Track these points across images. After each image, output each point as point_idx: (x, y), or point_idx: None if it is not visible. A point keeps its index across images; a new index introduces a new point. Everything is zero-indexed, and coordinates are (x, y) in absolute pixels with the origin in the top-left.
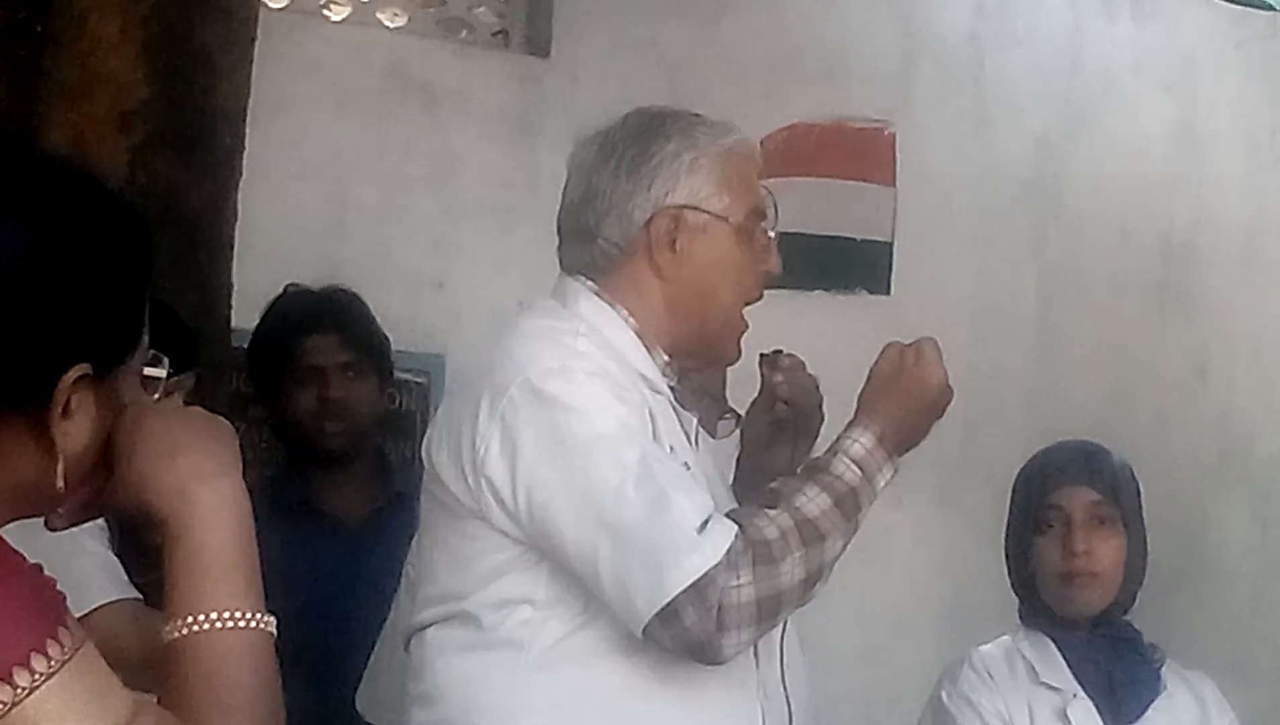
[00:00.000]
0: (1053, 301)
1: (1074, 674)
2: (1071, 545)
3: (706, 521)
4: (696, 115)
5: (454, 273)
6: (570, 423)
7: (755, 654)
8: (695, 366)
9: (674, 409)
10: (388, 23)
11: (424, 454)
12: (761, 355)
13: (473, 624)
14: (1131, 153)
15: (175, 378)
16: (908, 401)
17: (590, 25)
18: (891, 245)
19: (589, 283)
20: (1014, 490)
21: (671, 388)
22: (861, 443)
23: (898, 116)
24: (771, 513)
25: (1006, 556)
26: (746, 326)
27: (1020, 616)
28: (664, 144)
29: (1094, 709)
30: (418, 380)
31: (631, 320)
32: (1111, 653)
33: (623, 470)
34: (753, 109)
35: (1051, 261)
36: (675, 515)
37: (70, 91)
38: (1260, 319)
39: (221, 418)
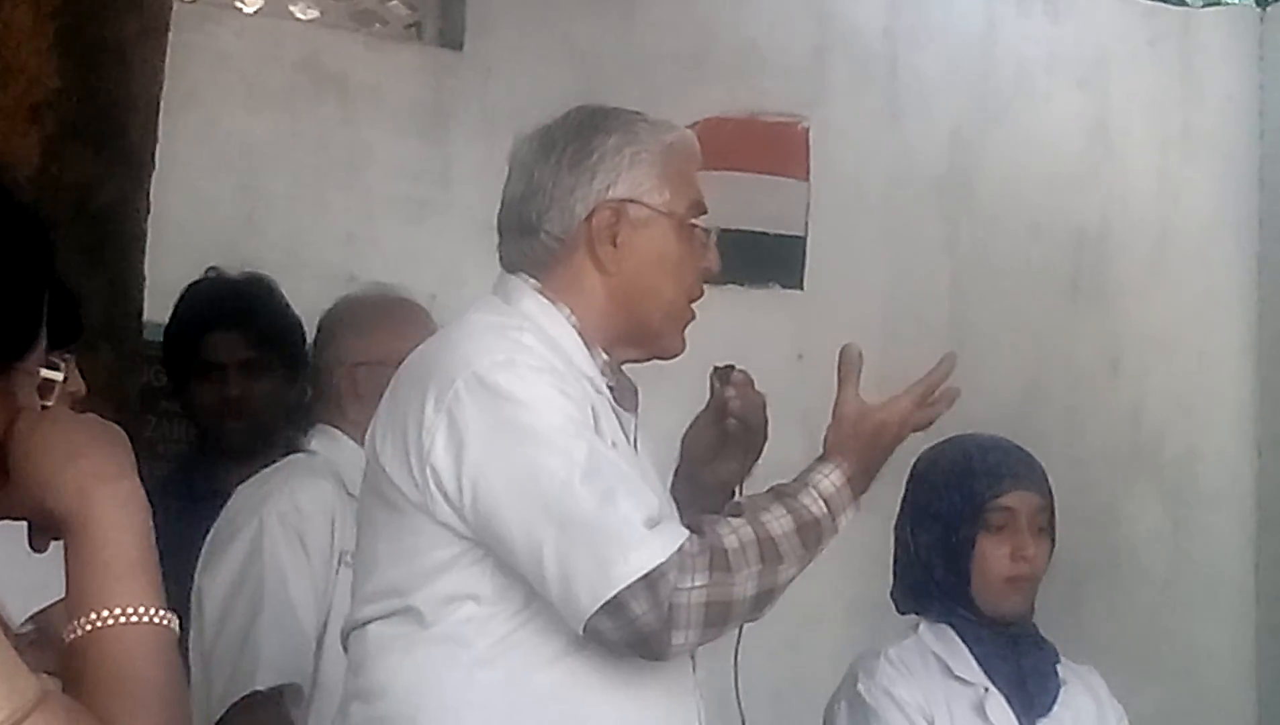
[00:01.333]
0: (966, 296)
1: (983, 668)
2: (1022, 549)
3: (657, 518)
4: (637, 113)
5: (367, 266)
6: (517, 415)
7: (693, 655)
8: (639, 358)
9: (614, 409)
10: (300, 15)
11: (367, 449)
12: (715, 368)
13: (415, 620)
14: (1044, 148)
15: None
16: (873, 448)
17: (503, 19)
18: (805, 240)
19: (531, 281)
20: (943, 483)
21: (610, 388)
22: (831, 480)
23: (811, 111)
24: (735, 522)
25: (923, 546)
26: (692, 317)
27: (918, 611)
28: (605, 138)
29: (1006, 703)
30: None
31: (574, 318)
32: (1018, 648)
33: (570, 464)
34: (666, 103)
35: (964, 256)
36: (624, 510)
37: None
38: (1172, 313)
39: (114, 424)
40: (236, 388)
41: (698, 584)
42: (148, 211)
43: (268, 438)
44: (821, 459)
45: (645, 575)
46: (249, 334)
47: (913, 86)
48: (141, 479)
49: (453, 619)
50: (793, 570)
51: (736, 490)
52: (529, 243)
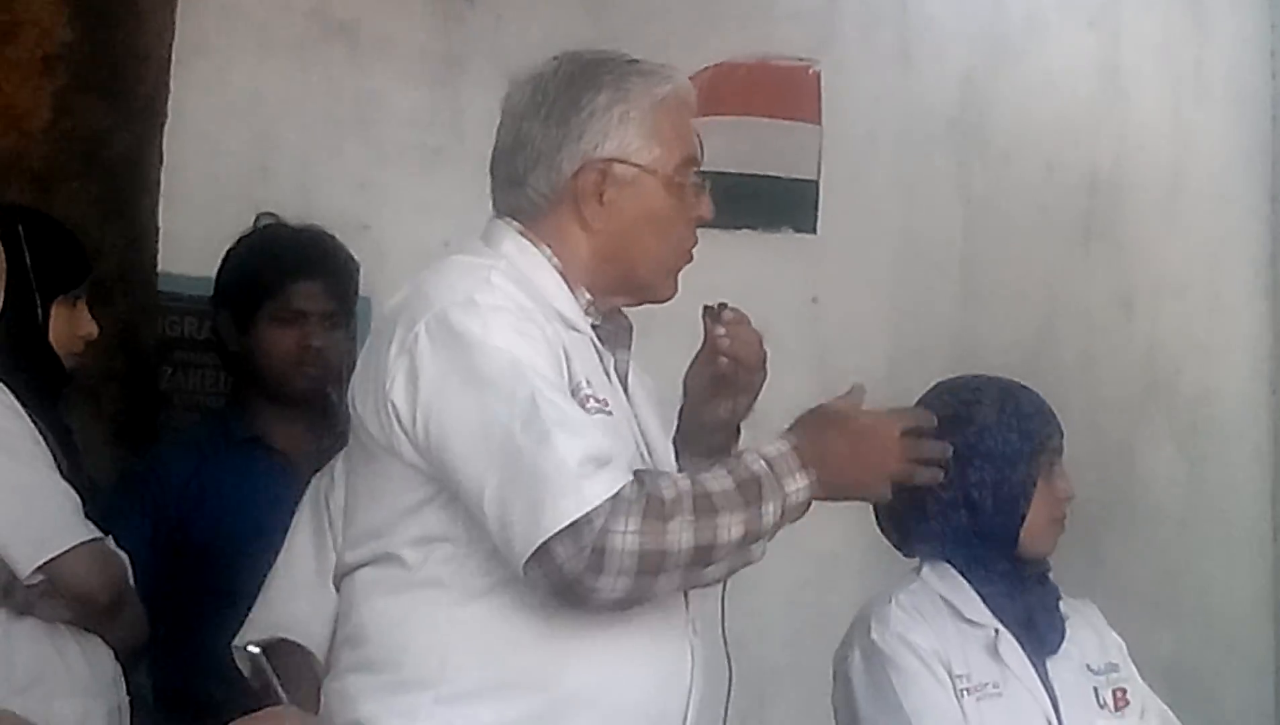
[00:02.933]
0: (978, 238)
1: (990, 609)
2: (1068, 490)
3: (597, 463)
4: (632, 61)
5: (379, 215)
6: (469, 358)
7: (686, 594)
8: (631, 303)
9: (595, 348)
10: None
11: (349, 396)
12: (705, 307)
13: (396, 563)
14: (1056, 90)
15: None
16: (829, 430)
17: None
18: (817, 183)
19: (514, 223)
20: (1000, 424)
21: (595, 326)
22: (775, 446)
23: (822, 55)
24: (675, 476)
25: (968, 489)
26: (688, 260)
27: (921, 554)
28: (595, 95)
29: (1017, 643)
30: None
31: (555, 260)
32: (1023, 586)
33: (512, 407)
34: (677, 48)
35: (976, 198)
36: (560, 455)
37: None
38: (1185, 253)
39: None
40: (319, 338)
41: (630, 529)
42: (161, 162)
43: (333, 390)
44: (801, 455)
45: (573, 522)
46: (331, 285)
47: (924, 29)
48: (158, 430)
49: (431, 560)
50: (736, 525)
51: (738, 429)
52: (516, 194)
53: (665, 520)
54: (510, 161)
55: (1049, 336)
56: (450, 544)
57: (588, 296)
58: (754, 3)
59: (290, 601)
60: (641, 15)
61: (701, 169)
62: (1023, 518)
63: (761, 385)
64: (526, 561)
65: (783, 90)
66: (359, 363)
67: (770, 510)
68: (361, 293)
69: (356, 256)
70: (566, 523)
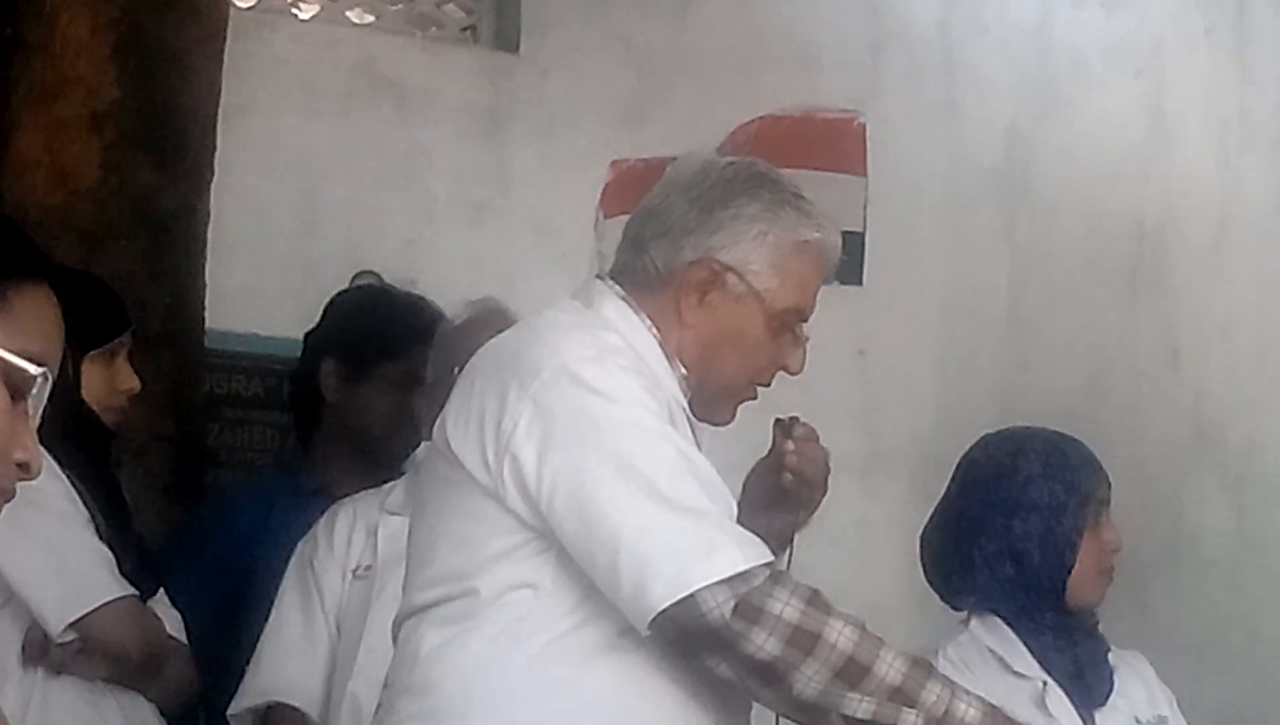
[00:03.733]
0: (1024, 289)
1: (1038, 661)
2: (1115, 542)
3: (738, 528)
4: (800, 196)
5: (426, 270)
6: (607, 408)
7: None
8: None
9: (689, 421)
10: (356, 20)
11: (435, 436)
12: (777, 420)
13: (472, 609)
14: (1101, 139)
15: (118, 340)
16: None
17: (558, 19)
18: (863, 235)
19: (617, 287)
20: (1045, 475)
21: (688, 401)
22: (969, 713)
23: (867, 106)
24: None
25: (1021, 537)
26: (753, 397)
27: (968, 606)
28: (747, 203)
29: (1065, 696)
30: None
31: (654, 330)
32: (1072, 638)
33: (656, 460)
34: (721, 101)
35: (1022, 249)
36: (712, 514)
37: (41, 94)
38: (1232, 303)
39: None
40: (415, 405)
41: (792, 601)
42: (208, 219)
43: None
44: (981, 699)
45: (727, 578)
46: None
47: (968, 79)
48: (203, 485)
49: (508, 613)
50: (895, 671)
51: (791, 542)
52: (633, 257)
53: (828, 613)
54: (643, 224)
55: (1096, 387)
56: (531, 592)
57: (683, 371)
58: (798, 54)
59: (282, 665)
60: (687, 68)
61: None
62: (1070, 569)
63: (821, 501)
64: (667, 609)
65: (828, 142)
66: (452, 405)
67: (935, 690)
68: None
69: None
70: (721, 578)
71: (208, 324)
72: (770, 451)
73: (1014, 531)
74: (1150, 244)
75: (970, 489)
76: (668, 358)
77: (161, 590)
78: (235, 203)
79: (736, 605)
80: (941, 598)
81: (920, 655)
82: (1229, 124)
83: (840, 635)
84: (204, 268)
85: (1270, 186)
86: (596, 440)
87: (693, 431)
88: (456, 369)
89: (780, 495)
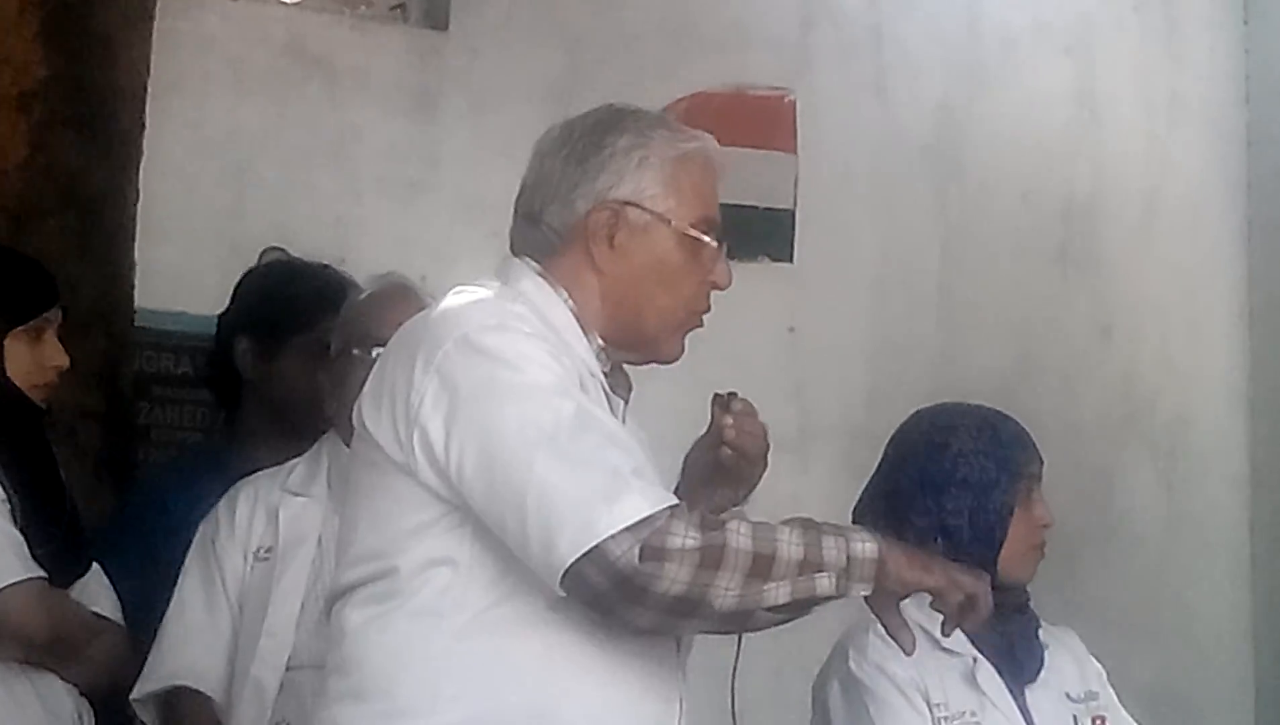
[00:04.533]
0: (955, 266)
1: (969, 637)
2: (1045, 518)
3: (641, 474)
4: (661, 117)
5: (356, 248)
6: (508, 375)
7: (679, 639)
8: (635, 361)
9: (605, 394)
10: None
11: (355, 415)
12: (715, 395)
13: (393, 587)
14: (1031, 116)
15: (44, 315)
16: (925, 570)
17: None
18: (794, 212)
19: (532, 264)
20: (977, 450)
21: (605, 373)
22: (865, 547)
23: (797, 84)
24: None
25: (945, 517)
26: (698, 324)
27: None
28: (617, 138)
29: (995, 672)
30: None
31: (570, 302)
32: (1002, 616)
33: (558, 418)
34: (652, 79)
35: (953, 226)
36: (612, 462)
37: None
38: (1162, 279)
39: None
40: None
41: (690, 532)
42: (137, 198)
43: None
44: (869, 530)
45: (631, 524)
46: None
47: (898, 57)
48: (134, 463)
49: (430, 589)
50: (796, 547)
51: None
52: (533, 231)
53: (720, 526)
54: (530, 198)
55: (1027, 363)
56: (450, 569)
57: (600, 342)
58: (728, 33)
59: (184, 648)
60: (617, 47)
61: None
62: (1000, 545)
63: (761, 476)
64: (575, 562)
65: (758, 120)
66: (369, 382)
67: (831, 544)
68: None
69: None
70: (624, 525)
71: (137, 302)
72: (709, 428)
73: (945, 508)
74: (1080, 221)
75: (901, 465)
76: (584, 330)
77: (99, 570)
78: (164, 182)
79: (642, 549)
80: None
81: (801, 517)
82: (1158, 101)
83: (738, 537)
84: (133, 246)
85: (1199, 163)
86: (499, 407)
87: (609, 404)
88: (357, 349)
89: (720, 470)
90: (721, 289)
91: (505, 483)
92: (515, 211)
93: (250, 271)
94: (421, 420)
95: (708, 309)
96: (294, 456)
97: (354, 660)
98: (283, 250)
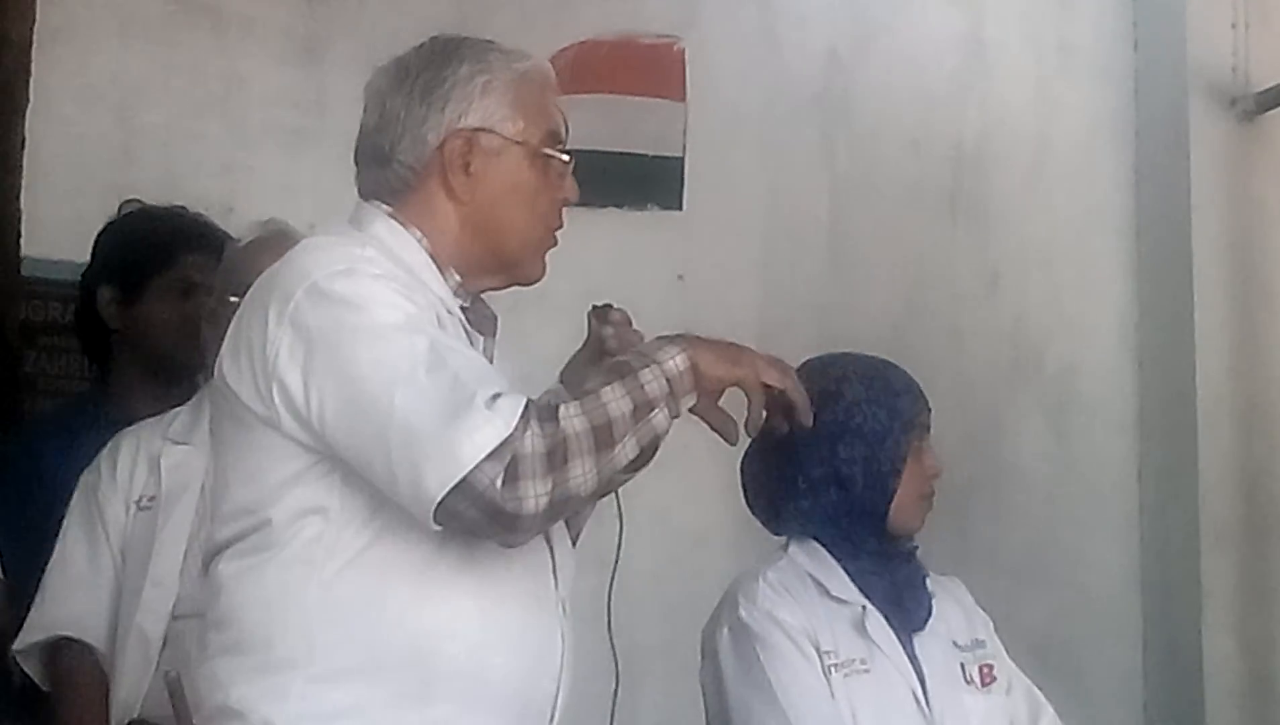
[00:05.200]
0: (844, 214)
1: (857, 586)
2: (935, 467)
3: (498, 396)
4: (490, 42)
5: (244, 196)
6: (357, 319)
7: (554, 574)
8: (498, 286)
9: (465, 330)
10: None
11: (216, 370)
12: (593, 307)
13: (266, 539)
14: (920, 64)
15: None
16: (702, 336)
17: None
18: (683, 160)
19: (383, 206)
20: (867, 399)
21: (463, 308)
22: (676, 362)
23: (686, 31)
24: (571, 403)
25: (839, 465)
26: (554, 243)
27: (790, 532)
28: (457, 66)
29: (884, 620)
30: None
31: (425, 241)
32: (890, 564)
33: (413, 356)
34: (541, 27)
35: (843, 174)
36: (468, 393)
37: None
38: (1050, 227)
39: None
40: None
41: (533, 436)
42: (23, 147)
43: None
44: (670, 338)
45: (492, 450)
46: (217, 259)
47: (788, 4)
48: (22, 414)
49: (301, 538)
50: (622, 400)
51: None
52: (383, 172)
53: (555, 417)
54: (376, 140)
55: (916, 311)
56: (321, 518)
57: (457, 278)
58: None
59: (67, 599)
60: None
61: (566, 148)
62: (893, 494)
63: None
64: (445, 497)
65: (647, 68)
66: (227, 339)
67: (649, 377)
68: None
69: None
70: (486, 452)
71: (23, 251)
72: (587, 341)
73: (838, 456)
74: (969, 169)
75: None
76: (440, 268)
77: None
78: (51, 130)
79: (505, 474)
80: (763, 523)
81: (610, 363)
82: (1046, 48)
83: (574, 420)
84: (20, 195)
85: (1088, 112)
86: (352, 351)
87: (470, 340)
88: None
89: None
90: (571, 203)
91: (367, 425)
92: (358, 157)
93: (108, 224)
94: (279, 373)
95: (561, 225)
96: (169, 404)
97: (231, 614)
98: (139, 201)
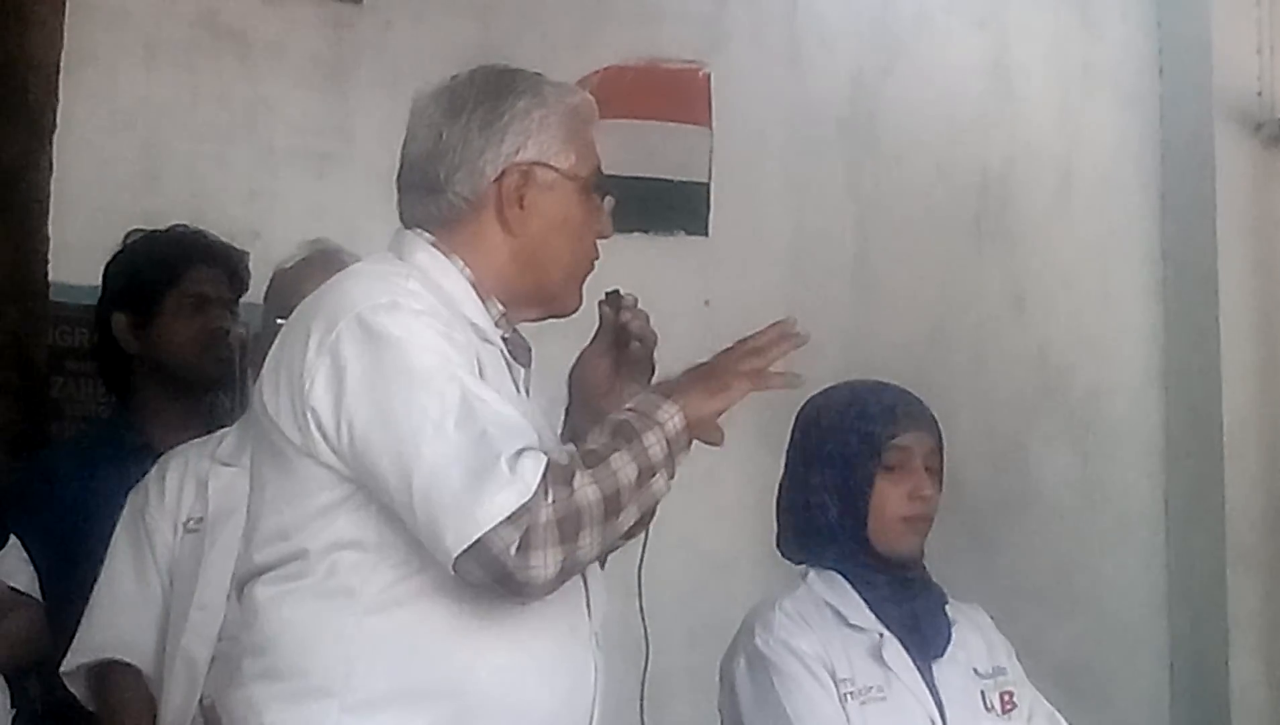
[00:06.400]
0: (869, 239)
1: (875, 614)
2: (920, 489)
3: (520, 453)
4: (539, 75)
5: (270, 221)
6: (395, 357)
7: (588, 605)
8: (536, 317)
9: (505, 360)
10: None
11: (256, 395)
12: (606, 293)
13: (303, 568)
14: (945, 89)
15: None
16: (680, 375)
17: None
18: (709, 186)
19: (425, 235)
20: (838, 426)
21: (505, 339)
22: (675, 422)
23: (712, 57)
24: (560, 448)
25: (817, 488)
26: (591, 268)
27: (807, 559)
28: (514, 100)
29: (902, 648)
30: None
31: (467, 271)
32: (908, 591)
33: (444, 405)
34: (566, 53)
35: (868, 199)
36: (494, 451)
37: None
38: (1076, 251)
39: None
40: (220, 321)
41: (549, 505)
42: (50, 172)
43: (225, 381)
44: (666, 395)
45: (510, 515)
46: (227, 271)
47: (813, 30)
48: (49, 440)
49: (340, 568)
50: (629, 466)
51: None
52: (434, 201)
53: (569, 483)
54: (428, 168)
55: (941, 335)
56: (359, 550)
57: (500, 308)
58: (642, 6)
59: (114, 621)
60: (529, 19)
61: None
62: (864, 518)
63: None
64: (461, 555)
65: (673, 93)
66: (267, 363)
67: (652, 441)
68: (253, 300)
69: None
70: (503, 517)
71: (51, 277)
72: (599, 331)
73: (811, 483)
74: (994, 194)
75: (790, 445)
76: (482, 298)
77: (17, 544)
78: (77, 155)
79: (520, 542)
80: (782, 554)
81: (615, 423)
82: (1072, 75)
83: (586, 490)
84: (47, 220)
85: (1113, 136)
86: (385, 392)
87: (510, 370)
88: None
89: (626, 368)
90: (606, 238)
91: (393, 468)
92: (404, 184)
93: (115, 254)
94: (313, 401)
95: (597, 256)
96: (189, 428)
97: (267, 640)
98: (141, 230)
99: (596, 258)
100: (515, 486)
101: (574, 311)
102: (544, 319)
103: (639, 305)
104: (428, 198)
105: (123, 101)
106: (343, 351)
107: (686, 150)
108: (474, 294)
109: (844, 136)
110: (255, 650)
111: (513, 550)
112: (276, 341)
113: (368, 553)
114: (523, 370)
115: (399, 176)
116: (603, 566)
